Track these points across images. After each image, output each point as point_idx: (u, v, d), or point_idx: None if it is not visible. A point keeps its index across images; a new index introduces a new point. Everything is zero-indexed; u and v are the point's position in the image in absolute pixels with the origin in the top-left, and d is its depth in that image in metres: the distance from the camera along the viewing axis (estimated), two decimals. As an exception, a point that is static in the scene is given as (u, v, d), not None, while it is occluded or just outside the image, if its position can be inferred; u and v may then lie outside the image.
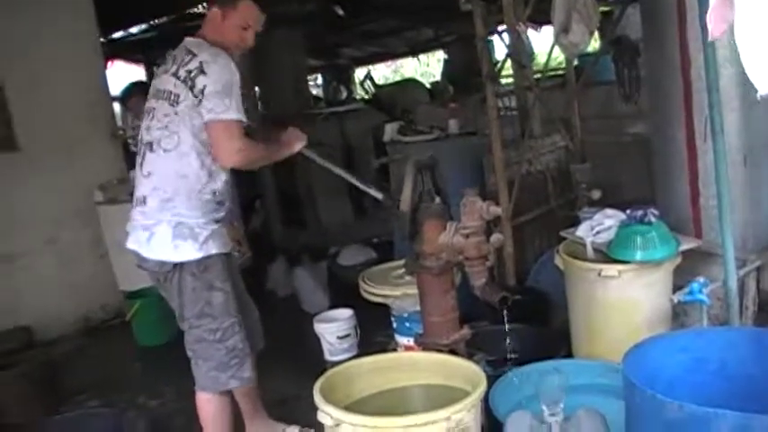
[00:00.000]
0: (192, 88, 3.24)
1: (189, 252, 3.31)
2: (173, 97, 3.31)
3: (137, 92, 5.75)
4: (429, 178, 3.23)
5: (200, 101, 3.22)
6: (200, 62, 3.25)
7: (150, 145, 3.40)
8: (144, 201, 3.38)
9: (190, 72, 3.25)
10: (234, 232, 5.42)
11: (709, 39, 1.79)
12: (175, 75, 3.31)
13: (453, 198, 3.22)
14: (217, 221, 3.44)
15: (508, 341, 3.91)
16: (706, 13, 3.09)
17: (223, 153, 3.28)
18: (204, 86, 3.21)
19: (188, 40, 3.45)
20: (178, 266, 3.34)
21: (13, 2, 5.96)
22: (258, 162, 3.60)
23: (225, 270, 3.43)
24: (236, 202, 3.91)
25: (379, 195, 3.47)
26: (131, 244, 3.45)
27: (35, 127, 6.10)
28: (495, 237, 3.02)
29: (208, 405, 3.52)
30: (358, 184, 3.65)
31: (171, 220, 3.31)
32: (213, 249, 3.36)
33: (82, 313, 6.34)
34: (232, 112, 3.22)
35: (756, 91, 1.57)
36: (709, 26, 1.68)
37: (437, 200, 3.16)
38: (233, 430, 3.66)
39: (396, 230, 5.65)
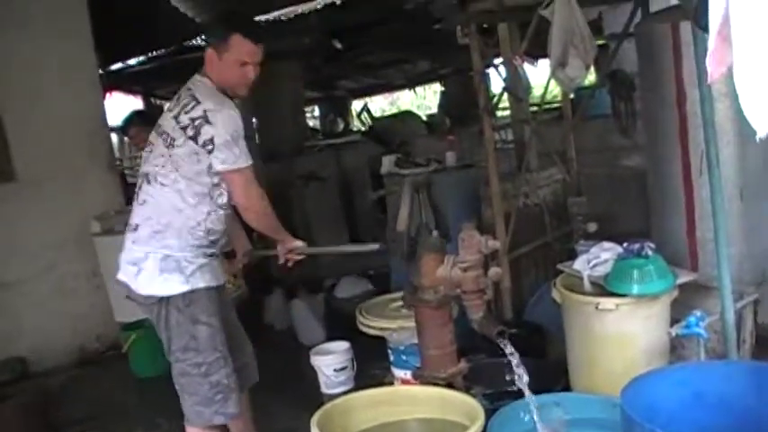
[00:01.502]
0: (195, 137, 3.25)
1: (175, 286, 3.33)
2: (169, 140, 3.34)
3: (137, 122, 5.77)
4: (425, 198, 3.23)
5: (211, 151, 3.24)
6: (205, 110, 3.25)
7: (147, 176, 3.44)
8: (136, 228, 3.42)
9: (193, 120, 3.26)
10: (229, 266, 5.44)
11: (708, 81, 1.80)
12: (176, 118, 3.32)
13: (451, 231, 3.22)
14: (207, 256, 3.44)
15: (513, 374, 3.90)
16: (702, 48, 3.15)
17: (241, 197, 3.36)
18: (212, 137, 3.23)
19: (195, 79, 3.43)
20: (164, 300, 3.35)
21: (12, 32, 6.01)
22: (266, 220, 3.53)
23: (212, 304, 3.42)
24: (245, 234, 3.92)
25: (374, 247, 3.45)
26: (121, 276, 3.46)
27: (33, 157, 6.13)
28: (493, 270, 3.02)
29: None
30: (355, 250, 3.65)
31: (158, 253, 3.34)
32: (200, 283, 3.37)
33: (78, 344, 6.33)
34: (242, 160, 3.29)
35: (755, 133, 1.58)
36: (709, 69, 1.69)
37: (435, 233, 3.16)
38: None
39: (391, 262, 5.65)
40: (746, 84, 1.56)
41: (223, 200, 3.43)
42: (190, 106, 3.29)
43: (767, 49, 1.52)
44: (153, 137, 3.46)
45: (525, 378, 2.92)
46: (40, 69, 6.14)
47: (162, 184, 3.36)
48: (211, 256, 3.47)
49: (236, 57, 3.35)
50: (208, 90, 3.35)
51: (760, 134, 1.59)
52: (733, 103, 3.83)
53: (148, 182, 3.42)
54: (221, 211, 3.44)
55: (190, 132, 3.25)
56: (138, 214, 3.44)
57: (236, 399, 3.49)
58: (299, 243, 3.69)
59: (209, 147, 3.23)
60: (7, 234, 5.98)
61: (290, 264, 3.77)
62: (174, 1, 8.36)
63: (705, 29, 1.67)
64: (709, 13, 1.60)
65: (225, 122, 3.24)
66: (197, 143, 3.24)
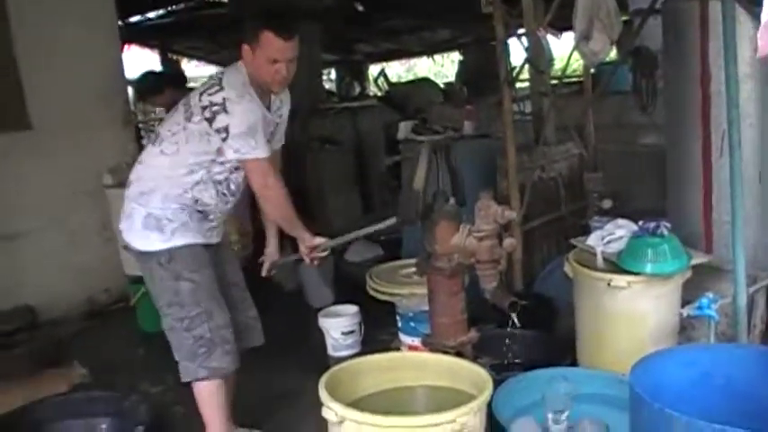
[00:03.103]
0: (210, 120, 3.28)
1: (155, 243, 3.43)
2: (188, 113, 3.39)
3: (167, 83, 5.87)
4: (444, 160, 3.21)
5: (225, 139, 3.28)
6: (224, 98, 3.27)
7: (156, 137, 3.53)
8: (129, 184, 3.55)
9: (212, 104, 3.28)
10: (238, 226, 5.45)
11: (758, 55, 1.76)
12: (200, 96, 3.34)
13: (468, 198, 3.21)
14: (196, 212, 3.50)
15: (507, 343, 3.94)
16: (730, 27, 3.12)
17: (259, 184, 3.41)
18: (227, 126, 3.25)
19: (234, 65, 3.46)
20: (146, 255, 3.46)
21: (31, -19, 5.98)
22: (281, 211, 3.57)
23: (195, 260, 3.46)
24: (245, 198, 3.92)
25: (392, 221, 3.43)
26: (121, 225, 3.58)
27: (48, 107, 6.10)
28: (509, 241, 3.01)
29: (196, 390, 3.55)
30: (375, 229, 3.62)
31: (142, 210, 3.44)
32: (180, 241, 3.43)
33: (86, 295, 6.34)
34: (259, 150, 3.31)
35: None
36: (760, 43, 1.65)
37: (451, 200, 3.15)
38: (230, 412, 3.67)
39: (403, 230, 5.64)
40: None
41: (220, 178, 3.49)
42: (214, 89, 3.32)
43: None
44: (181, 103, 3.50)
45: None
46: (59, 18, 6.08)
47: (162, 152, 3.45)
48: (202, 221, 3.53)
49: (267, 54, 3.33)
50: (236, 79, 3.37)
51: None
52: (757, 84, 3.80)
53: (153, 143, 3.52)
54: (213, 189, 3.50)
55: (207, 114, 3.29)
56: (133, 171, 3.56)
57: (221, 353, 3.48)
58: (318, 240, 3.70)
59: (224, 135, 3.28)
60: (19, 184, 5.97)
61: (315, 263, 3.85)
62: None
63: (757, 2, 1.62)
64: None
65: (241, 115, 3.26)
66: (211, 126, 3.29)
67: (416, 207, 3.08)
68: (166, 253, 3.42)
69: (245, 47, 3.37)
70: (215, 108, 3.26)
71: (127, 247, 3.58)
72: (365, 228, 3.68)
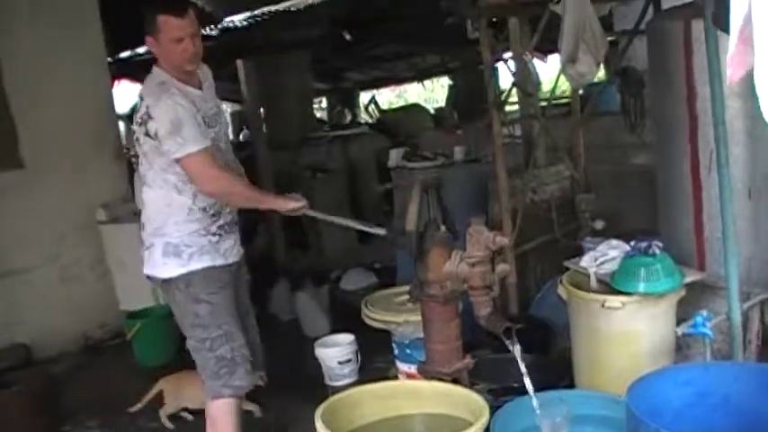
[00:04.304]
0: (148, 133, 3.36)
1: (173, 269, 3.51)
2: (138, 141, 3.49)
3: None
4: (435, 198, 3.23)
5: (159, 143, 3.34)
6: (147, 107, 3.36)
7: (141, 177, 3.63)
8: (143, 227, 3.64)
9: (142, 117, 3.39)
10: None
11: (728, 83, 1.79)
12: (135, 119, 3.47)
13: (458, 226, 3.22)
14: (212, 234, 3.55)
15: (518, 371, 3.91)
16: (713, 46, 3.14)
17: (199, 183, 3.40)
18: (156, 131, 3.32)
19: (149, 75, 3.53)
20: (167, 282, 3.55)
21: (22, 20, 6.00)
22: (239, 196, 3.58)
23: (212, 283, 3.54)
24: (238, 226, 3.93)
25: (381, 232, 3.46)
26: (143, 257, 3.66)
27: (41, 145, 6.12)
28: (501, 267, 3.02)
29: (215, 408, 3.58)
30: (360, 227, 3.66)
31: (161, 240, 3.52)
32: (197, 265, 3.50)
33: (81, 331, 6.32)
34: (188, 146, 3.31)
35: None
36: (728, 71, 1.67)
37: (443, 228, 3.16)
38: None
39: (398, 257, 5.65)
40: (767, 86, 1.55)
41: None
42: (139, 104, 3.45)
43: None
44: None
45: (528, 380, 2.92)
46: (49, 57, 6.12)
47: (149, 186, 3.54)
48: (217, 234, 3.57)
49: (170, 35, 3.38)
50: (151, 84, 3.46)
51: None
52: (745, 102, 3.82)
53: (144, 182, 3.60)
54: None
55: (144, 129, 3.38)
56: (142, 214, 3.65)
57: (244, 373, 3.57)
58: (293, 204, 3.64)
59: (158, 141, 3.34)
60: (13, 221, 5.97)
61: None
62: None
63: (726, 30, 1.65)
64: (730, 14, 1.58)
65: (162, 114, 3.31)
66: (152, 138, 3.36)
67: (411, 247, 3.11)
68: (185, 277, 3.49)
69: (150, 39, 3.45)
70: (144, 118, 3.36)
71: (150, 278, 3.65)
72: (354, 221, 3.73)
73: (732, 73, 1.66)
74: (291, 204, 3.63)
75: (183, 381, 4.44)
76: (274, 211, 3.76)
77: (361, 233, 8.40)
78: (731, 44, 1.62)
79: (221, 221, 3.59)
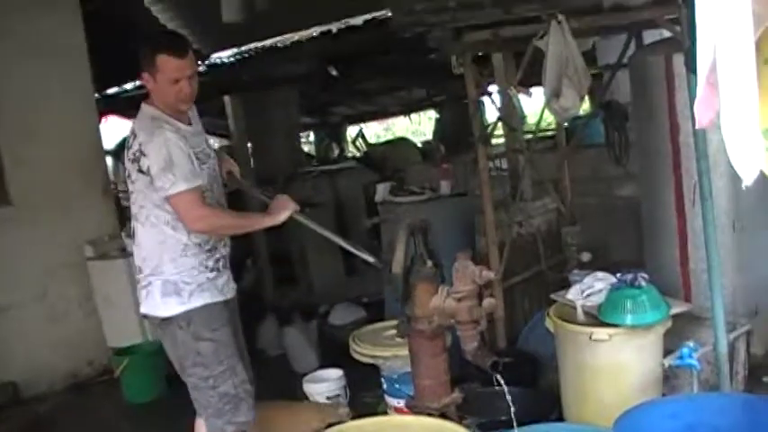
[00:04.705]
0: (141, 170, 3.35)
1: (173, 307, 3.45)
2: (129, 176, 3.47)
3: None
4: (421, 241, 3.24)
5: (152, 180, 3.32)
6: (140, 143, 3.35)
7: (134, 216, 3.57)
8: (140, 270, 3.56)
9: (135, 154, 3.37)
10: None
11: (697, 126, 1.82)
12: (126, 155, 3.44)
13: (446, 260, 3.23)
14: (211, 270, 3.52)
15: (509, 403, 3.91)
16: (695, 81, 3.18)
17: (187, 222, 3.38)
18: (149, 167, 3.31)
19: (140, 112, 3.50)
20: (166, 321, 3.48)
21: (8, 57, 6.02)
22: (229, 229, 3.60)
23: (214, 320, 3.50)
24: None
25: (370, 259, 3.48)
26: (139, 298, 3.60)
27: (28, 182, 6.13)
28: (488, 301, 3.03)
29: None
30: (350, 248, 3.69)
31: (159, 279, 3.46)
32: (198, 302, 3.46)
33: (70, 369, 6.28)
34: (179, 184, 3.29)
35: (741, 181, 1.60)
36: (697, 115, 1.71)
37: (429, 263, 3.17)
38: None
39: (386, 291, 5.65)
40: (732, 131, 1.57)
41: None
42: (131, 140, 3.42)
43: (751, 97, 1.53)
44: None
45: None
46: (36, 93, 6.14)
47: (142, 224, 3.49)
48: (214, 269, 3.54)
49: (167, 76, 3.37)
50: (143, 120, 3.43)
51: (746, 182, 1.60)
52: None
53: (136, 220, 3.55)
54: None
55: (137, 166, 3.36)
56: (136, 255, 3.59)
57: (247, 408, 3.55)
58: (285, 215, 3.62)
59: (150, 177, 3.32)
60: (1, 258, 5.95)
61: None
62: (173, 26, 8.41)
63: (695, 73, 1.68)
64: (697, 60, 1.61)
65: (155, 151, 3.29)
66: (144, 174, 3.34)
67: (398, 290, 3.12)
68: (185, 315, 3.45)
69: (146, 75, 3.41)
70: (137, 155, 3.34)
71: (147, 317, 3.60)
72: (346, 241, 3.74)
73: (701, 117, 1.70)
74: (282, 216, 3.62)
75: None
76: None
77: (348, 265, 8.48)
78: (699, 88, 1.65)
79: (217, 255, 3.56)
